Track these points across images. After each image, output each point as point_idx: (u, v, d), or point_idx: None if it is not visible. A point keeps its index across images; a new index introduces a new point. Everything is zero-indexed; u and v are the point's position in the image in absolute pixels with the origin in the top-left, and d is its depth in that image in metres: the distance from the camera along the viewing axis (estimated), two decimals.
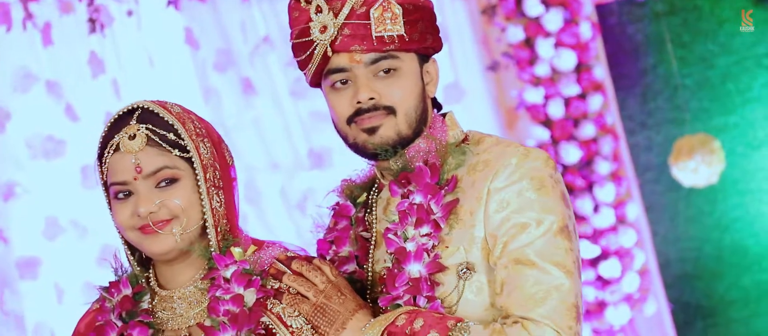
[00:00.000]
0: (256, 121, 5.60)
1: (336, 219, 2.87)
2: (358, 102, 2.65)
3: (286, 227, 5.59)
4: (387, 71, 2.66)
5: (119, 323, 2.68)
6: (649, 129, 6.33)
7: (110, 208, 2.69)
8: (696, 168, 5.72)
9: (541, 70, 5.76)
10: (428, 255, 2.61)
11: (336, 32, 2.64)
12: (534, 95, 5.78)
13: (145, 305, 2.71)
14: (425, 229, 2.62)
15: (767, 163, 6.28)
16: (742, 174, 6.28)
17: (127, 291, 2.71)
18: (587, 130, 5.79)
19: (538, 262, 2.53)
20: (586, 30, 5.75)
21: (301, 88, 5.59)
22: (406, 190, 2.67)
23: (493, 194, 2.59)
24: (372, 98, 2.65)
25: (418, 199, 2.64)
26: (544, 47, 5.71)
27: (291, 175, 5.65)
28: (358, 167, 5.63)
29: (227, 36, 5.56)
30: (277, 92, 5.63)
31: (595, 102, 5.79)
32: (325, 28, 2.64)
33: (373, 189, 2.85)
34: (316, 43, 2.66)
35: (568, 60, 5.71)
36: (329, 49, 2.65)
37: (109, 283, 2.75)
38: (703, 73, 6.26)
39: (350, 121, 2.68)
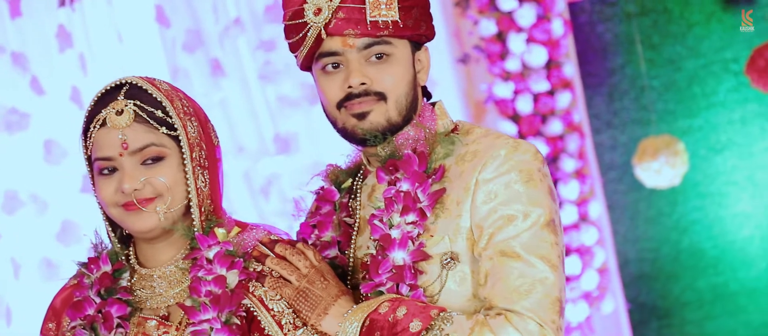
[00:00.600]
0: (223, 103, 5.56)
1: (319, 203, 2.84)
2: (350, 86, 2.63)
3: (248, 212, 5.55)
4: (379, 57, 2.64)
5: (97, 300, 2.65)
6: (615, 128, 6.36)
7: (93, 184, 2.65)
8: (659, 169, 5.76)
9: (512, 64, 5.77)
10: (413, 243, 2.60)
11: (330, 15, 2.62)
12: (503, 90, 5.79)
13: (123, 283, 2.68)
14: (411, 216, 2.61)
15: (728, 167, 6.34)
16: (703, 177, 6.33)
17: (107, 268, 2.68)
18: (554, 126, 5.81)
19: (523, 254, 2.53)
20: (558, 27, 5.77)
21: (269, 72, 5.56)
22: (393, 177, 2.65)
23: (481, 185, 2.58)
24: (363, 83, 2.63)
25: (405, 186, 2.63)
26: (515, 42, 5.72)
27: (255, 160, 5.61)
28: (324, 154, 5.62)
29: (197, 16, 5.51)
30: (246, 75, 5.59)
31: (563, 99, 5.81)
32: (319, 10, 2.62)
33: (358, 175, 2.83)
34: (309, 26, 2.64)
35: (538, 56, 5.73)
36: (323, 31, 2.62)
37: (89, 258, 2.72)
38: (670, 75, 6.30)
39: (340, 105, 2.66)
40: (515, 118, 5.83)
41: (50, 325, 2.77)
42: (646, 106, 6.26)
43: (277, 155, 5.60)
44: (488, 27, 5.77)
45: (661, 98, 6.30)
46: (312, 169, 5.55)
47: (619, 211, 6.42)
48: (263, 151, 5.61)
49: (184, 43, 5.50)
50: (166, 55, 5.48)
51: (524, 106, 5.79)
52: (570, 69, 5.87)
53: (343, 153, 5.19)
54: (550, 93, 5.81)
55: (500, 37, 5.80)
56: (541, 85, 5.77)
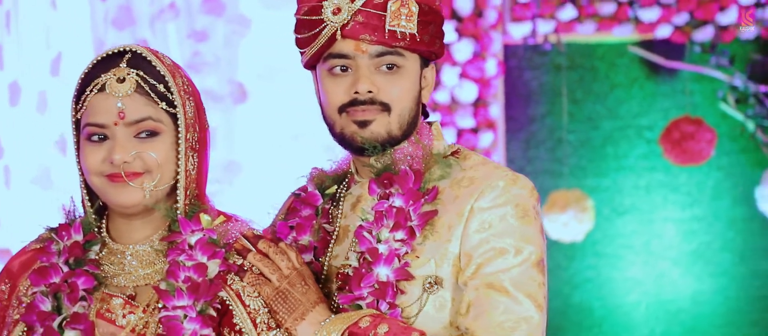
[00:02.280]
0: None
1: (299, 205, 2.76)
2: (356, 92, 2.57)
3: None
4: (390, 67, 2.59)
5: (65, 268, 2.53)
6: (527, 175, 6.40)
7: (77, 149, 2.54)
8: (567, 223, 5.83)
9: (442, 96, 5.78)
10: (399, 261, 2.55)
11: (349, 17, 2.56)
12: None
13: (92, 255, 2.57)
14: (400, 234, 2.56)
15: (628, 231, 6.45)
16: (603, 237, 6.42)
17: (78, 237, 2.56)
18: None
19: (511, 290, 2.50)
20: (491, 67, 5.80)
21: (197, 63, 5.47)
22: (386, 192, 2.60)
23: (476, 213, 2.54)
24: (370, 91, 2.57)
25: (398, 202, 2.58)
26: (448, 75, 5.73)
27: None
28: (239, 154, 5.51)
29: None
30: None
31: (485, 139, 5.84)
32: (338, 10, 2.57)
33: (343, 182, 2.77)
34: (325, 24, 2.57)
35: (469, 92, 5.74)
36: (339, 32, 2.57)
37: (59, 225, 2.59)
38: (587, 132, 6.38)
39: (342, 110, 2.60)
40: None
41: (2, 287, 2.63)
42: (560, 158, 6.33)
43: None
44: None
45: (576, 153, 6.38)
46: (225, 168, 5.52)
47: None
48: None
49: (115, 18, 5.37)
50: (93, 28, 5.35)
51: (447, 139, 5.80)
52: (496, 110, 5.90)
53: (260, 155, 5.10)
54: (474, 130, 5.83)
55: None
56: (467, 122, 5.79)
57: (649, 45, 6.31)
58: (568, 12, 6.03)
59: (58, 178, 5.16)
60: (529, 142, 6.39)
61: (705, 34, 6.10)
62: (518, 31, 6.05)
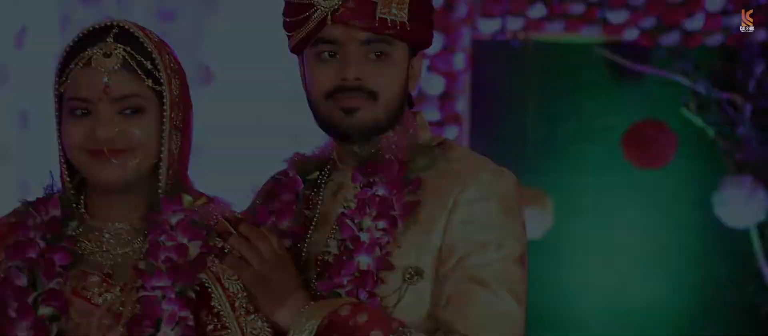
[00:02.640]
0: None
1: (280, 190, 2.74)
2: (344, 79, 2.55)
3: None
4: (379, 55, 2.57)
5: (42, 244, 2.49)
6: None
7: (58, 123, 2.50)
8: (526, 220, 5.82)
9: None
10: (380, 250, 2.53)
11: (340, 3, 2.54)
12: None
13: (69, 231, 2.53)
14: (382, 223, 2.54)
15: (583, 233, 6.47)
16: (559, 237, 6.42)
17: (56, 212, 2.52)
18: None
19: (492, 284, 2.50)
20: (459, 61, 5.80)
21: None
22: (370, 180, 2.58)
23: (460, 206, 2.53)
24: (358, 78, 2.55)
25: (381, 191, 2.56)
26: None
27: None
28: (205, 133, 5.46)
29: None
30: None
31: (450, 133, 5.84)
32: None
33: (325, 169, 2.75)
34: (316, 8, 2.55)
35: (436, 85, 5.74)
36: (329, 17, 2.54)
37: (37, 199, 2.55)
38: (550, 132, 6.40)
39: (329, 96, 2.58)
40: None
41: None
42: (522, 156, 6.33)
43: None
44: None
45: (538, 152, 6.39)
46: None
47: None
48: None
49: None
50: (59, 2, 5.30)
51: None
52: (462, 104, 5.90)
53: (224, 138, 5.04)
54: (440, 123, 5.83)
55: None
56: (433, 115, 5.79)
57: (615, 47, 6.34)
58: (538, 10, 6.04)
59: (18, 153, 5.09)
60: (494, 138, 6.39)
61: (671, 38, 6.13)
62: (488, 27, 6.04)
